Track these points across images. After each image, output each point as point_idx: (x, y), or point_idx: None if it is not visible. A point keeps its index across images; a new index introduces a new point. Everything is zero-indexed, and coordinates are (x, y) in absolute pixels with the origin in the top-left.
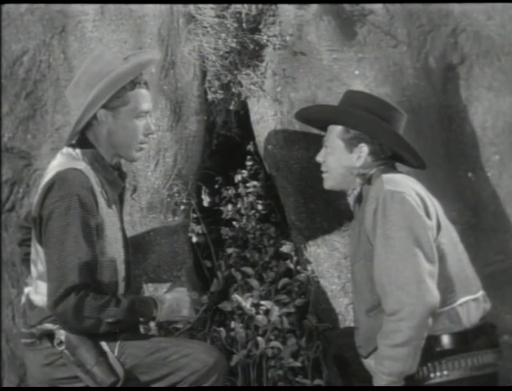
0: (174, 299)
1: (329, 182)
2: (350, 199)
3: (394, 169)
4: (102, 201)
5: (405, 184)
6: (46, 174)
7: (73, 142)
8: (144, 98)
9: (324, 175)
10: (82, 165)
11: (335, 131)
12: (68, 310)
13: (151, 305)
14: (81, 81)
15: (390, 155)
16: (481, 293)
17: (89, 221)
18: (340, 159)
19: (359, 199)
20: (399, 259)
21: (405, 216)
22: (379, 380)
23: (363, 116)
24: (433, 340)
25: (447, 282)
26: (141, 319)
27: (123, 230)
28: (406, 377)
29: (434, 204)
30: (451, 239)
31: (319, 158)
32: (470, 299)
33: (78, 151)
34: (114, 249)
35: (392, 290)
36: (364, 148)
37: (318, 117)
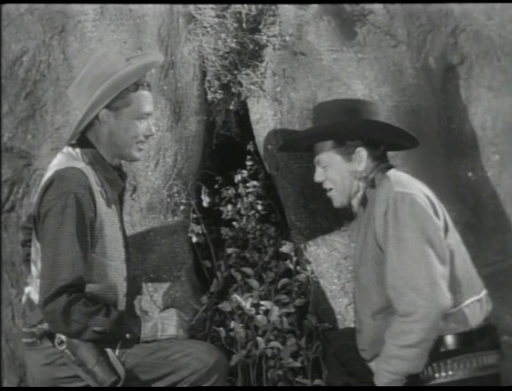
0: (160, 318)
1: (338, 198)
2: (354, 202)
3: (391, 167)
4: (101, 200)
5: (413, 185)
6: (46, 173)
7: (73, 141)
8: (146, 100)
9: (330, 194)
10: (81, 164)
11: (326, 148)
12: (56, 311)
13: (139, 322)
14: (84, 81)
15: (384, 151)
16: (484, 293)
17: (85, 220)
18: (342, 171)
19: (364, 201)
20: (413, 260)
21: (416, 217)
22: (381, 378)
23: (351, 122)
24: (438, 341)
25: (455, 283)
26: (127, 335)
27: (123, 229)
28: (411, 376)
29: (441, 205)
30: (456, 239)
31: (318, 178)
32: (475, 299)
33: (78, 150)
34: (114, 249)
35: (406, 292)
36: (362, 152)
37: (305, 144)
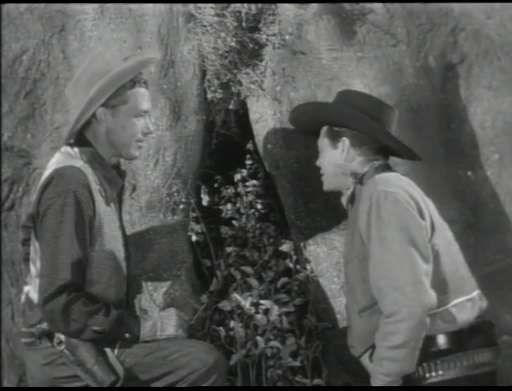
0: (159, 317)
1: (326, 184)
2: (344, 199)
3: (388, 168)
4: (100, 199)
5: (398, 185)
6: (44, 172)
7: (71, 141)
8: (144, 97)
9: (322, 178)
10: (80, 163)
11: (322, 133)
12: (56, 310)
13: (138, 321)
14: (80, 79)
15: (382, 150)
16: (476, 293)
17: (84, 218)
18: (328, 157)
19: (352, 198)
20: (396, 260)
21: (399, 216)
22: (377, 381)
23: (344, 111)
24: (428, 340)
25: (441, 283)
26: (127, 335)
27: (122, 228)
28: (403, 377)
29: (428, 205)
30: (445, 239)
31: (318, 162)
32: (465, 299)
33: (76, 149)
34: (113, 247)
35: (389, 291)
36: (345, 142)
37: (309, 117)
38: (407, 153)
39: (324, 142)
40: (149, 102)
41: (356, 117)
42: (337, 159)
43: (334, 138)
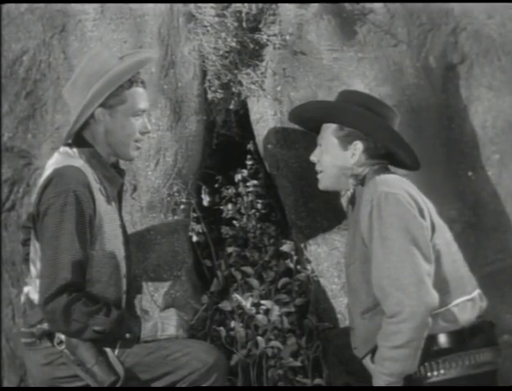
0: (160, 317)
1: (324, 182)
2: (344, 201)
3: (387, 170)
4: (100, 198)
5: (398, 185)
6: (43, 172)
7: (70, 141)
8: (141, 96)
9: (318, 175)
10: (80, 163)
11: (329, 129)
12: (57, 310)
13: (138, 322)
14: (78, 80)
15: (384, 155)
16: (477, 292)
17: (84, 218)
18: (334, 157)
19: (353, 200)
20: (398, 260)
21: (401, 217)
22: (379, 380)
23: (358, 112)
24: (430, 340)
25: (442, 283)
26: (127, 335)
27: (123, 226)
28: (405, 377)
29: (427, 205)
30: (445, 239)
31: (313, 157)
32: (466, 299)
33: (75, 149)
34: (114, 246)
35: (392, 292)
36: (358, 145)
37: (313, 115)
38: (411, 163)
39: (331, 140)
40: (147, 101)
41: (377, 124)
42: (345, 161)
43: (345, 139)
